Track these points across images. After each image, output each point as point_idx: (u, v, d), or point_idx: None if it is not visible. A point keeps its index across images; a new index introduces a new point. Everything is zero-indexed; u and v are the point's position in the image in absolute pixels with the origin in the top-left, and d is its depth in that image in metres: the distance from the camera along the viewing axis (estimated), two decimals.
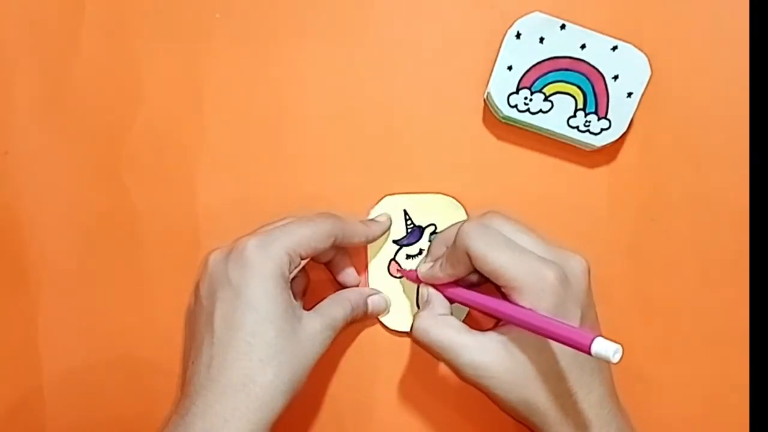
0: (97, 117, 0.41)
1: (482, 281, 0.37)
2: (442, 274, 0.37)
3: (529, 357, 0.34)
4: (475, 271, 0.36)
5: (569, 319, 0.34)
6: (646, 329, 0.42)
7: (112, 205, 0.41)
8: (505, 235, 0.35)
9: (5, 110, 0.40)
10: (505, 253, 0.34)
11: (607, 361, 0.27)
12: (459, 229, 0.35)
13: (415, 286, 0.41)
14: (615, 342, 0.27)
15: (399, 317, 0.41)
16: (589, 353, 0.27)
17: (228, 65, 0.40)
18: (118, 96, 0.41)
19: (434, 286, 0.38)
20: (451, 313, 0.38)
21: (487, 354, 0.34)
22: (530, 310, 0.33)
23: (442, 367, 0.42)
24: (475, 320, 0.41)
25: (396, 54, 0.41)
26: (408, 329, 0.41)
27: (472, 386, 0.35)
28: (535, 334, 0.32)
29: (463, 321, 0.39)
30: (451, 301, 0.38)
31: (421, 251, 0.41)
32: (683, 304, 0.42)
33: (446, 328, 0.36)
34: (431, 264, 0.38)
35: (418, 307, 0.41)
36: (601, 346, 0.27)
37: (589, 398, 0.34)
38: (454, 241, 0.36)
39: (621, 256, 0.41)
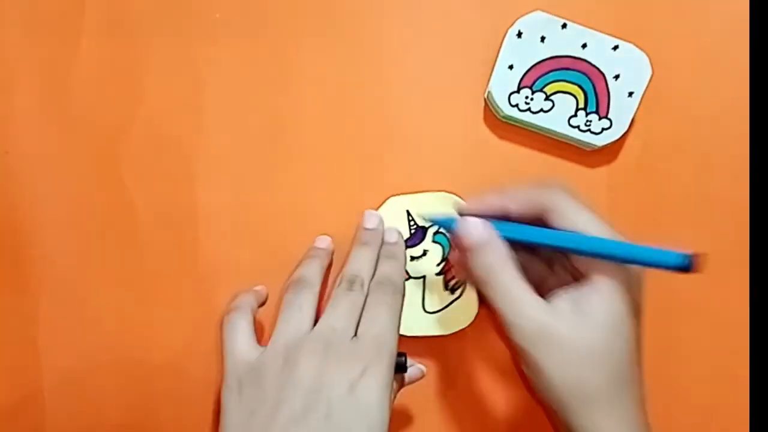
0: (97, 117, 0.41)
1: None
2: (499, 202, 0.34)
3: (599, 331, 0.31)
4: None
5: (629, 321, 0.32)
6: (645, 329, 0.42)
7: (112, 205, 0.41)
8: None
9: (5, 110, 0.40)
10: (589, 217, 0.32)
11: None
12: (536, 186, 0.34)
13: (421, 288, 0.40)
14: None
15: (405, 320, 0.40)
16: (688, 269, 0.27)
17: (228, 65, 0.40)
18: (118, 96, 0.40)
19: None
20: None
21: (554, 316, 0.31)
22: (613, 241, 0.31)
23: (449, 371, 0.42)
24: None
25: (396, 54, 0.40)
26: (414, 333, 0.40)
27: (518, 352, 0.32)
28: (618, 261, 0.30)
29: None
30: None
31: (425, 252, 0.41)
32: (683, 304, 0.42)
33: (518, 277, 0.32)
34: (483, 196, 0.35)
35: (424, 308, 0.40)
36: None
37: (636, 393, 0.32)
38: (535, 188, 0.34)
39: None
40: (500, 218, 0.34)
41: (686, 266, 0.28)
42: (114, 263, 0.41)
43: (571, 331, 0.31)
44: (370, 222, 0.39)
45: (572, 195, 0.33)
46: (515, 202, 0.34)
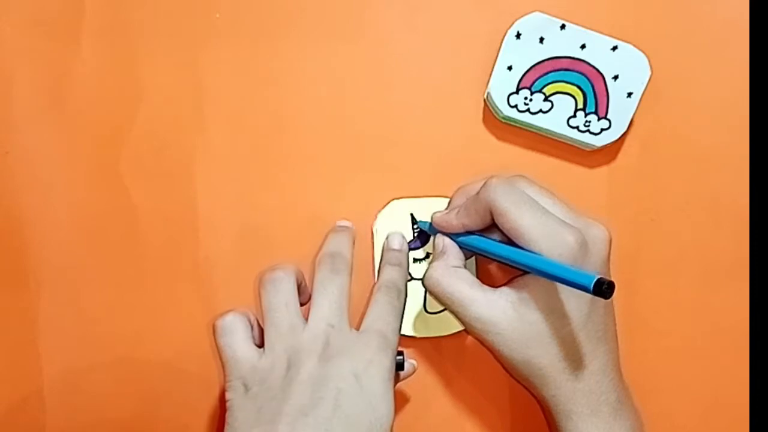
0: (97, 117, 0.41)
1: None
2: (456, 222, 0.37)
3: (537, 317, 0.34)
4: (490, 230, 0.36)
5: (572, 301, 0.34)
6: (645, 329, 0.42)
7: (112, 205, 0.41)
8: (529, 195, 0.35)
9: (5, 110, 0.40)
10: (528, 213, 0.34)
11: (601, 297, 0.28)
12: (485, 182, 0.35)
13: (423, 289, 0.40)
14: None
15: (407, 322, 0.41)
16: (589, 290, 0.28)
17: (228, 65, 0.40)
18: (118, 96, 0.41)
19: (449, 236, 0.38)
20: (465, 267, 0.37)
21: (495, 310, 0.35)
22: (537, 254, 0.33)
23: (450, 371, 0.42)
24: (487, 276, 0.41)
25: (396, 54, 0.40)
26: (416, 334, 0.41)
27: (477, 341, 0.36)
28: (540, 275, 0.32)
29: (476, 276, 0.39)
30: (467, 251, 0.38)
31: (428, 255, 0.41)
32: (683, 304, 0.42)
33: (458, 281, 0.36)
34: (447, 211, 0.38)
35: (425, 309, 0.41)
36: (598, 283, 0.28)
37: (592, 365, 0.35)
38: (478, 193, 0.36)
39: (621, 256, 0.41)
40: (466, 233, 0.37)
41: (592, 290, 0.29)
42: (114, 263, 0.41)
43: (510, 318, 0.34)
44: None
45: (509, 187, 0.35)
46: (468, 218, 0.36)
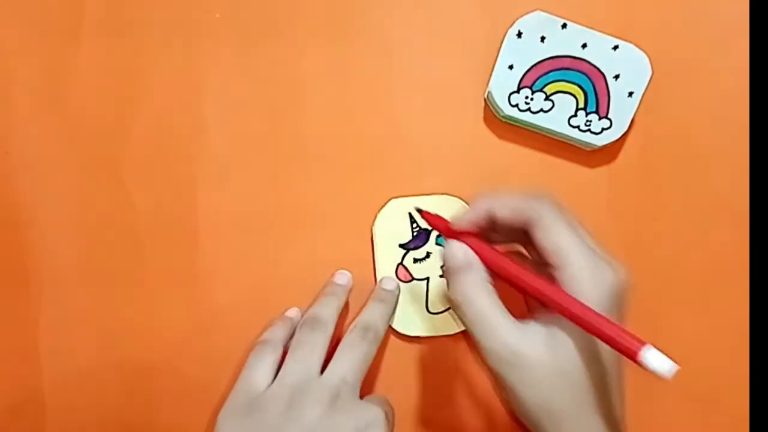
0: (98, 117, 0.41)
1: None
2: (482, 207, 0.33)
3: (569, 358, 0.31)
4: (510, 243, 0.34)
5: (601, 346, 0.32)
6: (645, 329, 0.41)
7: (113, 205, 0.41)
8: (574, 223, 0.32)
9: (5, 110, 0.40)
10: (571, 236, 0.31)
11: (659, 376, 0.25)
12: (534, 194, 0.33)
13: (424, 290, 0.41)
14: (670, 359, 0.26)
15: (408, 322, 0.41)
16: (636, 361, 0.26)
17: (228, 65, 0.40)
18: (118, 96, 0.40)
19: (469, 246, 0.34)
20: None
21: (526, 343, 0.31)
22: (583, 303, 0.30)
23: (451, 371, 0.42)
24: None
25: (396, 53, 0.40)
26: (418, 334, 0.41)
27: (491, 374, 0.33)
28: (580, 326, 0.29)
29: None
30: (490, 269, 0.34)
31: (428, 254, 0.41)
32: (683, 304, 0.42)
33: (493, 303, 0.32)
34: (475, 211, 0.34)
35: (428, 309, 0.41)
36: (654, 358, 0.25)
37: (614, 414, 0.33)
38: (521, 200, 0.33)
39: (621, 256, 0.41)
40: (486, 224, 0.34)
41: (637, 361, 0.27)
42: (114, 263, 0.41)
43: (540, 354, 0.31)
44: (388, 284, 0.41)
45: (560, 210, 0.32)
46: (503, 208, 0.33)
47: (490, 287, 0.33)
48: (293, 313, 0.40)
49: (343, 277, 0.41)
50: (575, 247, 0.31)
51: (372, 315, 0.38)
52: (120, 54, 0.40)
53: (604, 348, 0.31)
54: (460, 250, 0.34)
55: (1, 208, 0.41)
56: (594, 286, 0.31)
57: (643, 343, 0.26)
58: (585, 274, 0.31)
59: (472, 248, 0.34)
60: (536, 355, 0.31)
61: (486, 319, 0.32)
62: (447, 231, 0.35)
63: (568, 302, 0.30)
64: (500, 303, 0.33)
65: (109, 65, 0.40)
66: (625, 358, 0.28)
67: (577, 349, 0.31)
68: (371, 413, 0.34)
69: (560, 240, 0.31)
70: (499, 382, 0.33)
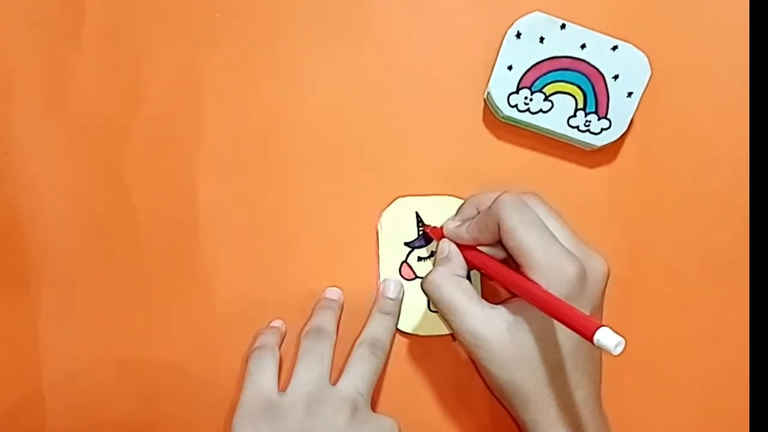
0: (98, 117, 0.41)
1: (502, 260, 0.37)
2: (468, 236, 0.37)
3: (529, 341, 0.34)
4: (497, 245, 0.36)
5: (565, 331, 0.33)
6: (645, 329, 0.42)
7: (112, 205, 0.41)
8: (539, 216, 0.35)
9: (5, 110, 0.40)
10: (534, 235, 0.34)
11: (608, 353, 0.27)
12: (497, 197, 0.35)
13: None
14: (619, 335, 0.27)
15: (411, 319, 0.41)
16: (591, 341, 0.27)
17: (228, 65, 0.40)
18: (118, 96, 0.41)
19: (457, 245, 0.38)
20: (468, 278, 0.38)
21: (489, 327, 0.35)
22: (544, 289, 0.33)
23: (452, 370, 0.42)
24: (491, 289, 0.41)
25: (396, 53, 0.41)
26: (420, 332, 0.41)
27: (466, 353, 0.36)
28: (542, 311, 0.31)
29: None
30: (470, 264, 0.38)
31: (432, 253, 0.41)
32: (683, 304, 0.42)
33: (458, 290, 0.36)
34: (459, 223, 0.38)
35: (429, 307, 0.41)
36: (605, 336, 0.27)
37: (575, 395, 0.35)
38: (489, 207, 0.36)
39: (621, 256, 0.41)
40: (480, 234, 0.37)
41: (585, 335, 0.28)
42: (114, 263, 0.41)
43: (502, 337, 0.34)
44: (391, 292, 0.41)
45: (521, 209, 0.35)
46: (479, 233, 0.36)
47: (463, 280, 0.37)
48: (278, 323, 0.41)
49: (334, 293, 0.41)
50: (533, 243, 0.34)
51: (378, 329, 0.39)
52: (120, 54, 0.40)
53: (565, 333, 0.34)
54: (445, 244, 0.38)
55: (1, 208, 0.41)
56: (553, 279, 0.33)
57: (599, 326, 0.27)
58: (544, 268, 0.33)
59: (458, 246, 0.38)
60: (498, 338, 0.34)
61: (452, 305, 0.36)
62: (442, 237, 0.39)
63: (530, 288, 0.33)
64: (470, 290, 0.36)
65: (109, 65, 0.40)
66: (588, 344, 0.29)
67: (537, 332, 0.34)
68: (387, 425, 0.36)
69: (519, 239, 0.34)
70: (475, 363, 0.36)
